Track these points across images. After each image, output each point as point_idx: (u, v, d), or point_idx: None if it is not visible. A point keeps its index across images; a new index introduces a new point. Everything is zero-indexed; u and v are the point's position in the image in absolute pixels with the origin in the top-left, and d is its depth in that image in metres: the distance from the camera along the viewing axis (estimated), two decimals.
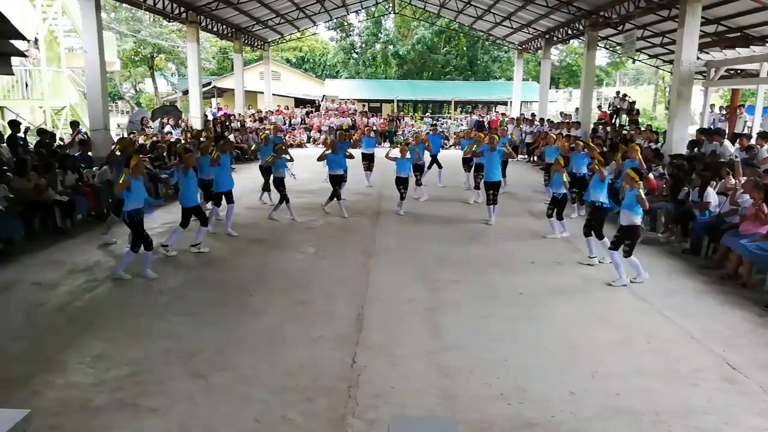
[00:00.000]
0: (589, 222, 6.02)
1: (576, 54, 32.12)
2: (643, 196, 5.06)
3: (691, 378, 3.62)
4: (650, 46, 16.01)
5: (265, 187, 8.88)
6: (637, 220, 5.18)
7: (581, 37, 15.45)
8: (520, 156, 15.99)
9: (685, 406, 3.30)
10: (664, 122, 20.77)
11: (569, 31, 15.75)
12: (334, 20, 24.75)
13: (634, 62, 20.88)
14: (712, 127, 11.51)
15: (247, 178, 10.60)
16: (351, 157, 8.34)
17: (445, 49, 33.08)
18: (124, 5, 18.90)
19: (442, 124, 21.11)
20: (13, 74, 11.57)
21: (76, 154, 8.74)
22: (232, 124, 16.84)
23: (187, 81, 16.24)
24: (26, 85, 13.28)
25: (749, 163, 7.40)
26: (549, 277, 5.59)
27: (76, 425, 3.01)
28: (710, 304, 4.94)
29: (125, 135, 12.67)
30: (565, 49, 32.89)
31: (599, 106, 18.42)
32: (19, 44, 10.09)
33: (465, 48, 33.10)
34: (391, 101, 24.79)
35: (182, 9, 13.90)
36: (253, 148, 8.08)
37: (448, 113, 23.86)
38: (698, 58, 9.87)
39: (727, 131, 10.35)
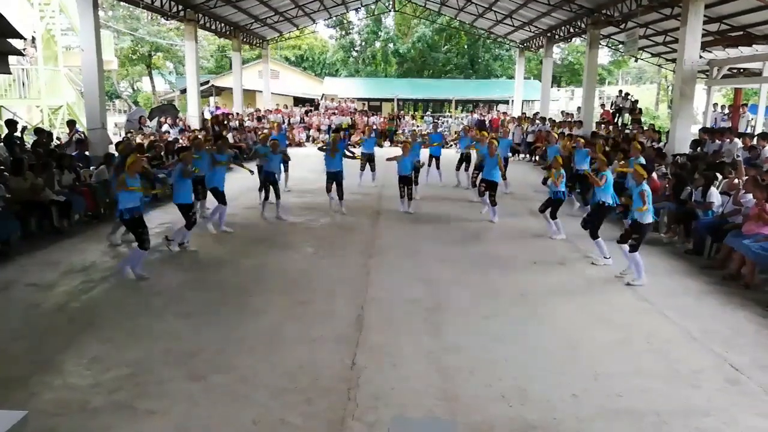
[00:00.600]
0: (589, 219, 6.09)
1: (578, 52, 32.04)
2: (645, 194, 5.07)
3: (692, 378, 3.60)
4: (653, 44, 15.98)
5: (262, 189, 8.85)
6: (647, 218, 5.19)
7: (583, 36, 15.40)
8: (520, 155, 15.98)
9: (686, 406, 3.29)
10: (666, 121, 20.75)
11: (571, 30, 15.70)
12: (334, 18, 24.70)
13: (636, 61, 20.89)
14: (714, 126, 11.48)
15: (244, 178, 10.54)
16: (353, 157, 8.39)
17: (446, 47, 33.00)
18: (121, 3, 18.86)
19: (443, 123, 21.07)
20: (10, 73, 11.51)
21: (74, 154, 8.71)
22: (231, 123, 16.79)
23: (185, 79, 16.20)
24: (23, 84, 13.23)
25: (752, 162, 7.38)
26: (550, 278, 5.57)
27: (74, 427, 2.98)
28: (712, 305, 4.92)
29: (123, 135, 12.65)
30: (567, 48, 32.84)
31: (602, 105, 18.34)
32: (16, 43, 10.05)
33: (466, 46, 33.01)
34: (391, 100, 24.73)
35: (180, 7, 13.85)
36: (253, 151, 8.05)
37: (449, 112, 23.80)
38: (701, 56, 9.84)
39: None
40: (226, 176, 7.35)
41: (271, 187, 7.87)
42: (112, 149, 9.85)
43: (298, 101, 24.54)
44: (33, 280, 5.24)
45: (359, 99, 24.46)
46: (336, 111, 20.47)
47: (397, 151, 8.70)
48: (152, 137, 11.90)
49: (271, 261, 6.00)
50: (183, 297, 4.90)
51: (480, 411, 3.19)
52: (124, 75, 30.77)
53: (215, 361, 3.73)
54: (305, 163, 11.92)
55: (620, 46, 17.70)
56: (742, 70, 12.54)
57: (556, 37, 17.29)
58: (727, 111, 13.44)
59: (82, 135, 10.11)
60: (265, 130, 13.49)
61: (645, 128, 12.30)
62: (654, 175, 7.91)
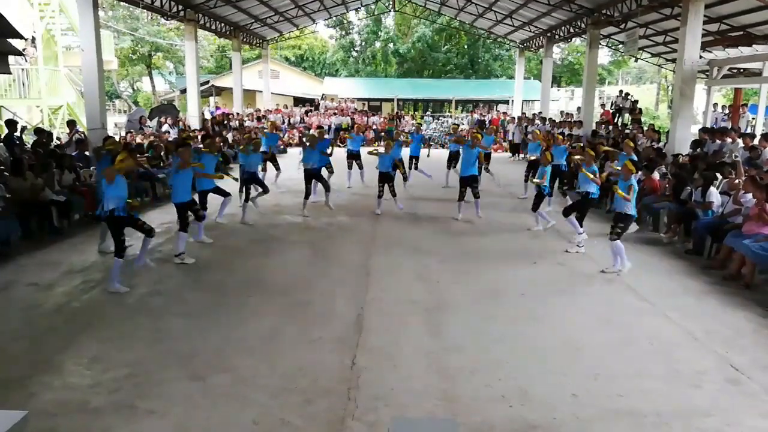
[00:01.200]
0: (572, 206, 6.41)
1: (578, 52, 32.06)
2: (632, 188, 5.39)
3: (693, 379, 3.60)
4: (653, 44, 15.98)
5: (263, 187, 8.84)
6: (628, 209, 5.48)
7: (583, 36, 15.39)
8: (520, 155, 15.98)
9: (687, 407, 3.28)
10: (666, 121, 20.75)
11: (571, 30, 15.69)
12: (334, 18, 24.69)
13: (636, 61, 20.88)
14: (714, 126, 11.48)
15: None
16: (329, 154, 8.50)
17: (446, 47, 32.99)
18: (121, 3, 18.86)
19: (443, 123, 21.06)
20: (10, 73, 11.52)
21: (74, 154, 8.71)
22: (231, 123, 16.78)
23: (185, 80, 16.19)
24: (23, 84, 13.23)
25: (753, 163, 7.37)
26: (550, 278, 5.56)
27: (73, 427, 2.98)
28: (713, 305, 4.92)
29: (123, 135, 12.63)
30: (567, 48, 32.84)
31: (602, 105, 18.34)
32: (16, 43, 10.05)
33: (466, 46, 33.01)
34: (391, 100, 24.74)
35: (180, 7, 13.84)
36: (241, 148, 7.95)
37: (449, 112, 23.80)
38: (701, 56, 9.84)
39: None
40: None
41: (252, 188, 7.76)
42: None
43: (298, 101, 24.53)
44: (33, 280, 5.23)
45: (359, 99, 24.45)
46: (336, 111, 20.46)
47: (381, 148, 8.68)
48: (152, 137, 11.90)
49: (271, 261, 5.99)
50: (183, 297, 4.90)
51: (480, 411, 3.18)
52: (124, 75, 30.76)
53: (215, 361, 3.72)
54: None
55: (620, 46, 17.69)
56: (742, 70, 12.54)
57: (556, 37, 17.28)
58: (727, 111, 13.44)
59: (82, 135, 10.10)
60: (264, 130, 13.44)
61: (645, 128, 12.30)
62: (656, 174, 7.94)
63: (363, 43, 34.02)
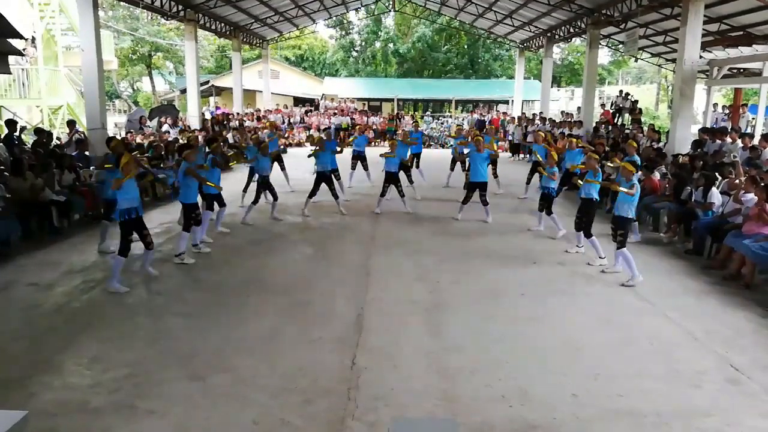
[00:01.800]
0: (580, 216, 6.21)
1: (578, 52, 32.05)
2: (634, 188, 5.28)
3: (693, 379, 3.60)
4: (653, 44, 15.98)
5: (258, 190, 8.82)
6: (630, 212, 5.37)
7: (583, 36, 15.40)
8: (520, 155, 15.97)
9: (687, 407, 3.28)
10: (666, 121, 20.75)
11: (571, 30, 15.69)
12: (334, 18, 24.68)
13: (636, 61, 20.88)
14: (715, 126, 11.48)
15: (244, 179, 10.55)
16: (340, 151, 8.44)
17: (446, 47, 32.99)
18: (121, 3, 18.85)
19: (442, 123, 21.06)
20: (10, 73, 11.52)
21: (74, 154, 8.71)
22: (231, 123, 16.78)
23: (185, 80, 16.19)
24: (23, 84, 13.23)
25: (753, 163, 7.37)
26: (551, 278, 5.56)
27: (73, 427, 2.98)
28: (713, 305, 4.92)
29: (124, 135, 12.64)
30: (567, 48, 32.84)
31: (602, 105, 18.35)
32: (16, 43, 10.05)
33: (466, 46, 33.01)
34: (391, 100, 24.73)
35: (180, 7, 13.84)
36: (252, 158, 7.93)
37: (449, 112, 23.80)
38: (701, 56, 9.84)
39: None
40: (227, 176, 7.34)
41: (265, 190, 7.70)
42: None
43: (298, 101, 24.53)
44: (33, 280, 5.24)
45: (359, 99, 24.44)
46: (336, 111, 20.46)
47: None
48: (152, 137, 11.91)
49: (271, 261, 5.99)
50: (183, 297, 4.90)
51: (480, 411, 3.18)
52: (124, 75, 30.76)
53: (215, 361, 3.72)
54: (305, 164, 11.90)
55: (620, 46, 17.70)
56: (742, 70, 12.55)
57: (556, 37, 17.28)
58: (727, 111, 13.45)
59: (82, 135, 10.10)
60: (259, 134, 13.42)
61: (645, 128, 12.30)
62: (656, 174, 7.93)
63: (363, 43, 34.01)
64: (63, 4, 14.53)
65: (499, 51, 32.22)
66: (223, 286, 5.17)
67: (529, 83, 24.54)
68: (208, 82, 24.41)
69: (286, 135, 17.32)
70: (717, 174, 6.84)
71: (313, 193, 8.04)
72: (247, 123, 17.52)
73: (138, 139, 11.57)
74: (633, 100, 15.87)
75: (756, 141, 8.45)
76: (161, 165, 9.66)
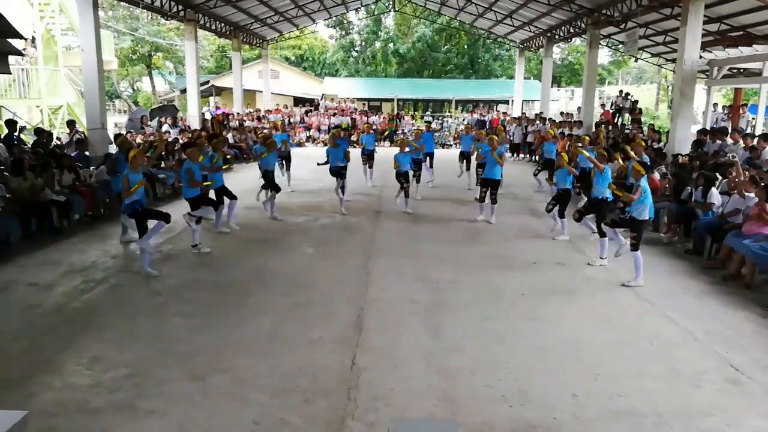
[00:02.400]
0: (586, 211, 6.17)
1: (578, 52, 32.04)
2: (640, 189, 5.16)
3: (693, 379, 3.60)
4: (653, 44, 15.97)
5: (265, 186, 8.85)
6: (644, 214, 5.24)
7: (583, 36, 15.40)
8: (521, 155, 15.97)
9: (687, 407, 3.28)
10: (666, 121, 20.74)
11: (571, 30, 15.69)
12: (334, 18, 24.69)
13: (636, 61, 20.87)
14: (715, 126, 11.47)
15: (245, 179, 10.56)
16: (354, 145, 8.54)
17: (446, 47, 32.99)
18: (121, 3, 18.84)
19: (442, 123, 21.05)
20: (10, 73, 11.52)
21: (73, 154, 8.71)
22: (231, 123, 16.78)
23: (185, 80, 16.19)
24: (23, 84, 13.23)
25: (753, 163, 7.37)
26: (551, 278, 5.56)
27: (74, 427, 2.98)
28: (713, 305, 4.91)
29: (122, 134, 12.63)
30: (567, 48, 32.83)
31: (602, 105, 18.36)
32: (16, 43, 10.05)
33: (466, 46, 33.02)
34: (391, 100, 24.73)
35: (180, 7, 13.84)
36: (261, 153, 8.05)
37: (449, 112, 23.80)
38: (701, 56, 9.84)
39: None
40: (228, 176, 7.34)
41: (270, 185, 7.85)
42: (112, 149, 9.85)
43: (298, 101, 24.53)
44: (33, 280, 5.23)
45: (359, 99, 24.45)
46: (336, 111, 20.46)
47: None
48: (152, 137, 11.90)
49: (271, 261, 5.99)
50: (183, 297, 4.90)
51: (480, 412, 3.18)
52: (124, 75, 30.76)
53: (215, 361, 3.72)
54: (305, 164, 11.90)
55: (620, 46, 17.69)
56: (742, 70, 12.54)
57: (556, 37, 17.28)
58: (727, 111, 13.44)
59: (82, 135, 10.10)
60: (265, 131, 13.50)
61: (645, 128, 12.30)
62: (656, 174, 7.92)
63: (363, 43, 34.01)
64: (63, 4, 14.53)
65: (499, 51, 32.23)
66: (222, 286, 5.17)
67: (529, 83, 24.54)
68: (208, 82, 24.42)
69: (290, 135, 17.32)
70: (717, 174, 6.83)
71: (342, 188, 8.19)
72: (247, 123, 17.52)
73: (138, 139, 11.56)
74: (633, 100, 15.87)
75: (755, 141, 8.45)
76: (161, 165, 9.67)
